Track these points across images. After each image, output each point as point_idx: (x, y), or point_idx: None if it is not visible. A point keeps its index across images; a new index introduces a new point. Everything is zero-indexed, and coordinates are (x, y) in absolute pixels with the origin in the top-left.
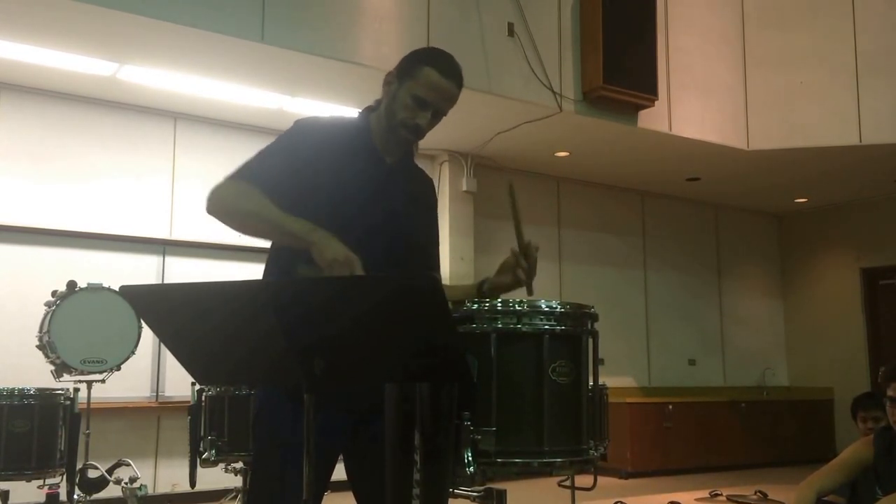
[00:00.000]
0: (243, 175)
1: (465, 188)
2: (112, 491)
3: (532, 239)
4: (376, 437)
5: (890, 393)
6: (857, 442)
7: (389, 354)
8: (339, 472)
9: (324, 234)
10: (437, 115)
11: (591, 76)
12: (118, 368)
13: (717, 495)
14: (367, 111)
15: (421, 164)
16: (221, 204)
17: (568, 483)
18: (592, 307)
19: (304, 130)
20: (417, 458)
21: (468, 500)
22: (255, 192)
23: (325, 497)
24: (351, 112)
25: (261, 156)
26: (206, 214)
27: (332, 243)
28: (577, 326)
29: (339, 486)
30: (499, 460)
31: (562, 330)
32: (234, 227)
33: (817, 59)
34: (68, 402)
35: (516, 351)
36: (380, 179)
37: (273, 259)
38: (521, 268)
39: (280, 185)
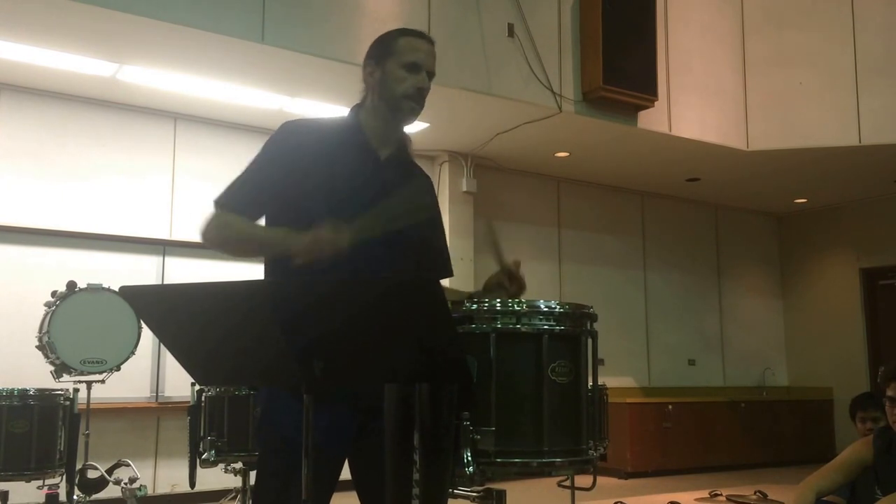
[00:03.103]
0: (222, 203)
1: (464, 189)
2: (111, 491)
3: (516, 260)
4: (380, 437)
5: (889, 393)
6: (857, 442)
7: (389, 355)
8: (342, 472)
9: (294, 235)
10: (430, 76)
11: (590, 77)
12: (118, 369)
13: (716, 495)
14: (357, 108)
15: (420, 165)
16: (210, 241)
17: (567, 483)
18: (592, 307)
19: (290, 133)
20: (417, 458)
21: (468, 501)
22: (233, 220)
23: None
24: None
25: (242, 176)
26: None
27: (301, 239)
28: (576, 326)
29: (341, 486)
30: (498, 460)
31: (561, 330)
32: (230, 255)
33: (817, 60)
34: (68, 403)
35: (516, 351)
36: (374, 174)
37: (271, 259)
38: (505, 290)
39: (261, 198)
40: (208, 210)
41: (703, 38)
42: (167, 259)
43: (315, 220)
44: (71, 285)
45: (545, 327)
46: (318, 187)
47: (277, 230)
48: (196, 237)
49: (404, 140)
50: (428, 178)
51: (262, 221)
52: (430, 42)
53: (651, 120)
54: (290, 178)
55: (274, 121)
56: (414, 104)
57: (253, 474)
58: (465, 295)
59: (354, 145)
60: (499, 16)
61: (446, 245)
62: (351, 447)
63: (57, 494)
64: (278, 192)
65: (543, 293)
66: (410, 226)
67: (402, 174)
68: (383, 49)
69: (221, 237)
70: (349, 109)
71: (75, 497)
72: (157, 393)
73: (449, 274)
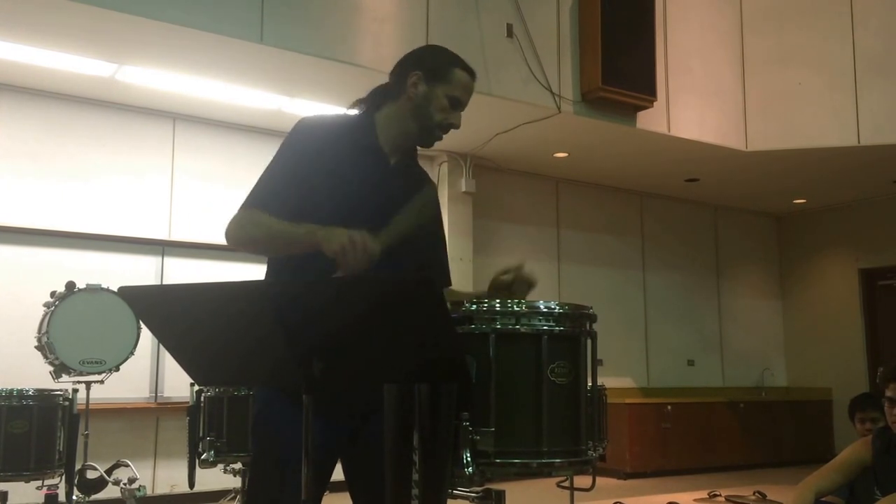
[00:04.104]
0: (251, 202)
1: (463, 189)
2: (111, 492)
3: (530, 271)
4: (374, 439)
5: (888, 394)
6: (856, 443)
7: (388, 355)
8: (338, 473)
9: (327, 228)
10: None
11: (589, 77)
12: (117, 369)
13: (715, 496)
14: (373, 109)
15: (420, 165)
16: (236, 238)
17: (567, 484)
18: (591, 308)
19: (306, 130)
20: (416, 458)
21: (467, 501)
22: (261, 217)
23: (323, 498)
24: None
25: (266, 174)
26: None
27: (335, 232)
28: (575, 327)
29: (337, 487)
30: (497, 461)
31: (560, 331)
32: (255, 254)
33: (816, 61)
34: (67, 403)
35: (515, 352)
36: (383, 178)
37: (274, 260)
38: (512, 289)
39: (286, 197)
40: (235, 212)
41: (703, 39)
42: (166, 259)
43: (321, 220)
44: (70, 286)
45: (544, 328)
46: (326, 188)
47: (305, 226)
48: (195, 237)
49: (414, 149)
50: (434, 185)
51: None
52: (475, 80)
53: (650, 120)
54: (302, 174)
55: (273, 121)
56: (441, 135)
57: None
58: (469, 296)
59: (366, 148)
60: (498, 16)
61: (447, 255)
62: (344, 448)
63: (56, 495)
64: (291, 187)
65: (542, 294)
66: (415, 246)
67: (411, 181)
68: (439, 70)
69: (249, 236)
70: (363, 110)
71: (74, 497)
72: (156, 393)
73: (447, 284)
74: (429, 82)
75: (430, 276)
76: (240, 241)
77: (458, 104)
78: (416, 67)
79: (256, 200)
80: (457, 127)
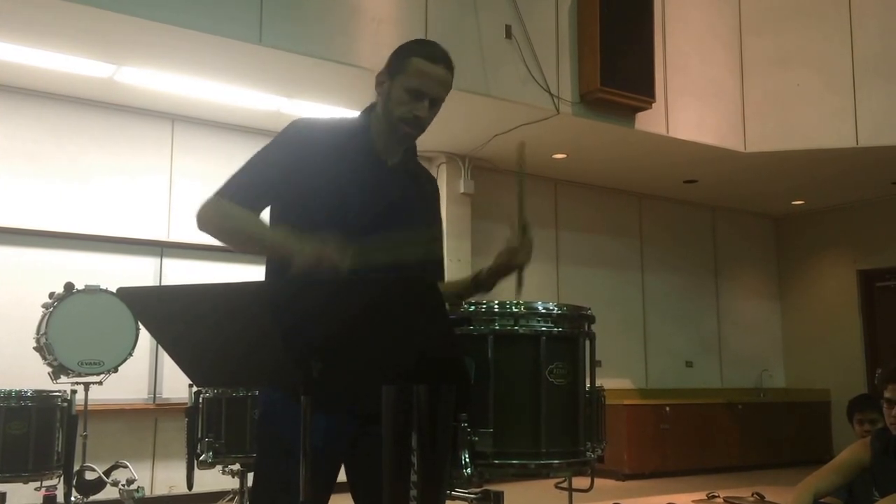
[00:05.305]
0: (226, 192)
1: (462, 190)
2: (109, 493)
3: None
4: (377, 441)
5: (887, 395)
6: (855, 444)
7: (387, 356)
8: (340, 474)
9: (297, 240)
10: (436, 104)
11: (588, 78)
12: (115, 370)
13: (714, 497)
14: (369, 111)
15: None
16: (207, 225)
17: (565, 485)
18: (589, 309)
19: (299, 131)
20: (415, 459)
21: (465, 502)
22: (235, 211)
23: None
24: (349, 114)
25: (247, 167)
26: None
27: (304, 250)
28: (574, 328)
29: (339, 488)
30: (496, 462)
31: (559, 332)
32: (222, 242)
33: (814, 62)
34: (66, 404)
35: (513, 353)
36: (379, 181)
37: (272, 260)
38: (516, 247)
39: (266, 194)
40: (208, 196)
41: (701, 40)
42: (164, 260)
43: (317, 223)
44: (68, 287)
45: (543, 329)
46: (322, 190)
47: (279, 232)
48: (193, 238)
49: (412, 147)
50: (435, 183)
51: (264, 215)
52: (446, 67)
53: (648, 121)
54: (295, 179)
55: (272, 122)
56: (409, 130)
57: (250, 476)
58: (467, 281)
59: (362, 150)
60: (496, 17)
61: (443, 254)
62: (348, 449)
63: (55, 496)
64: (281, 191)
65: (541, 295)
66: (413, 229)
67: (410, 179)
68: (396, 63)
69: (220, 226)
70: (362, 110)
71: (73, 498)
72: (154, 394)
73: (441, 280)
74: (390, 78)
75: (430, 277)
76: (210, 229)
77: (417, 94)
78: (384, 67)
79: (232, 192)
80: (423, 119)
